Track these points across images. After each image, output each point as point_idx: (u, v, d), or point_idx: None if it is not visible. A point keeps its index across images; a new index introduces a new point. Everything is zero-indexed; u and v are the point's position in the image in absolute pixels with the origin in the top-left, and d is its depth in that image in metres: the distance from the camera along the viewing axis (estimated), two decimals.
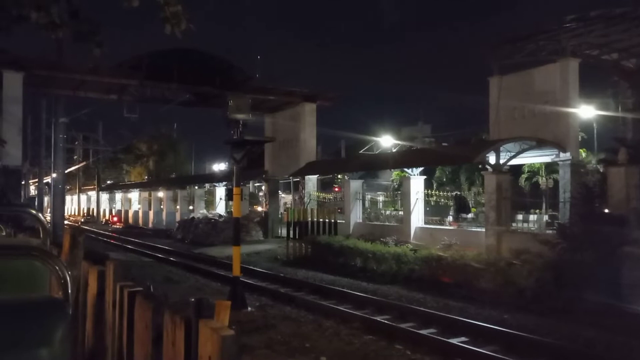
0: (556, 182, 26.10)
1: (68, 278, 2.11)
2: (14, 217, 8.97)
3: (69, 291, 2.10)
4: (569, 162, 17.81)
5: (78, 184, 60.60)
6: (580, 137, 21.22)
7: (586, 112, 21.08)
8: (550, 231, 16.80)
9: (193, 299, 2.12)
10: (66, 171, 25.79)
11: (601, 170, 17.73)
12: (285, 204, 36.63)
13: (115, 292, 3.27)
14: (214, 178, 38.43)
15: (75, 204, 67.45)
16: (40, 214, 3.69)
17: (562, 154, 18.06)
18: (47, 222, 3.82)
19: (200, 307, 2.10)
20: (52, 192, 21.99)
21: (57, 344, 1.84)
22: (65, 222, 25.26)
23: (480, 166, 18.73)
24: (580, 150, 21.61)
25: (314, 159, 29.02)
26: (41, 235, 3.46)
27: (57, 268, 2.13)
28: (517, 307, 11.79)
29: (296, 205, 27.03)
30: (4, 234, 4.82)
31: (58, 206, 19.94)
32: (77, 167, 47.82)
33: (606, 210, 14.79)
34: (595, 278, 11.46)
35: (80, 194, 63.94)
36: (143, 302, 2.76)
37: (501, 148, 17.83)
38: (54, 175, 21.41)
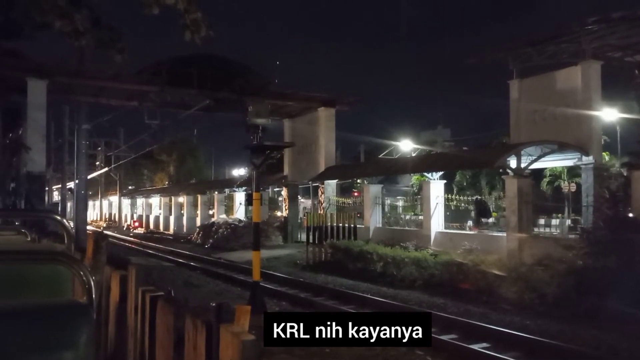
0: (579, 186, 25.75)
1: (92, 283, 2.15)
2: (38, 223, 9.12)
3: (93, 296, 2.13)
4: (592, 165, 17.57)
5: (100, 190, 61.29)
6: (603, 140, 20.94)
7: (609, 114, 20.77)
8: (573, 236, 16.57)
9: (214, 304, 2.14)
10: (89, 177, 26.14)
11: (625, 174, 17.48)
12: (304, 208, 36.64)
13: (137, 297, 3.31)
14: (234, 183, 38.61)
15: (97, 210, 68.26)
16: (64, 220, 3.75)
17: (584, 158, 17.83)
18: (71, 228, 3.88)
19: (221, 312, 2.12)
20: (75, 197, 22.30)
21: (82, 348, 1.88)
22: (88, 227, 25.58)
23: (501, 170, 18.56)
24: (603, 153, 21.32)
25: (333, 163, 29.02)
26: (65, 241, 3.51)
27: (81, 273, 2.17)
28: (539, 313, 11.67)
29: (315, 210, 27.02)
30: (28, 239, 4.90)
31: (80, 211, 20.20)
32: (99, 172, 48.38)
33: (630, 215, 14.56)
34: (618, 284, 11.27)
35: (102, 200, 64.68)
36: (165, 306, 2.79)
37: (522, 152, 17.65)
38: (77, 180, 21.71)
